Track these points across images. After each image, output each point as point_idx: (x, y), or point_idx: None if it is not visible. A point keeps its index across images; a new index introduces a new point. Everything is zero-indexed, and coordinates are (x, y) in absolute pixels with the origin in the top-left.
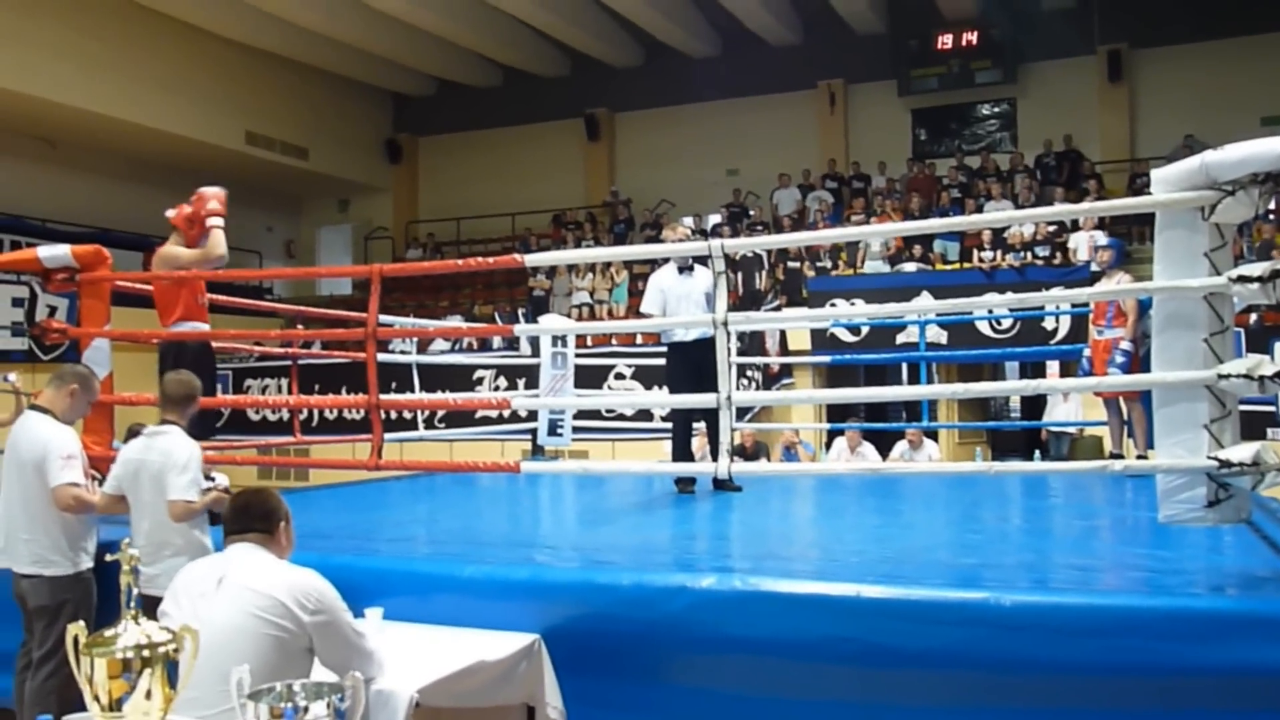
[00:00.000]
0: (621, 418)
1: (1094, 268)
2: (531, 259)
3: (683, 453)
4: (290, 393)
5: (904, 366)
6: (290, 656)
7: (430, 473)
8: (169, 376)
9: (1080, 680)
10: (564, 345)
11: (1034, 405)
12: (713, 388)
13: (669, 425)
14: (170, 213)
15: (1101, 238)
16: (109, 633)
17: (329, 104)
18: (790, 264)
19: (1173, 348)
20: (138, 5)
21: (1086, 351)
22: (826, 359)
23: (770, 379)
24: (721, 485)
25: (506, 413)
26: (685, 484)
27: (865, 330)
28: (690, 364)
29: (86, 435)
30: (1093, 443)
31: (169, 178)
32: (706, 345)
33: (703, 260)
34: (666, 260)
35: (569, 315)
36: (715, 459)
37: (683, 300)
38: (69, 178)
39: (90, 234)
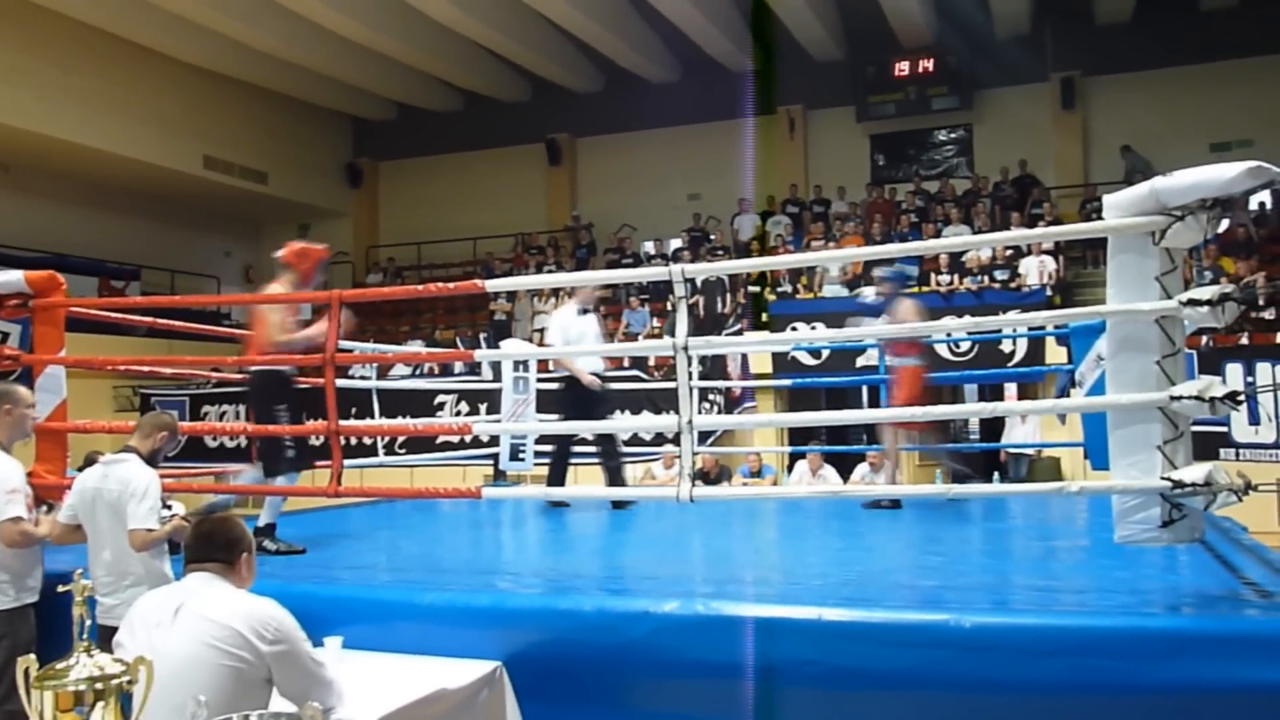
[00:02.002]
0: (584, 442)
1: (876, 297)
2: (493, 284)
3: (559, 477)
4: (248, 419)
5: (864, 389)
6: (248, 687)
7: (390, 499)
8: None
9: (1041, 700)
10: (526, 370)
11: (993, 427)
12: (604, 416)
13: (636, 450)
14: (280, 252)
15: (1051, 262)
16: (60, 665)
17: (288, 128)
18: (751, 288)
19: (1126, 370)
20: (93, 29)
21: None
22: (788, 382)
23: (732, 402)
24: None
25: (468, 438)
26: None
27: (826, 354)
28: (590, 395)
29: (39, 464)
30: (1051, 464)
31: (125, 203)
32: (601, 380)
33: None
34: (572, 299)
35: (531, 340)
36: (615, 482)
37: (582, 339)
38: (23, 202)
39: (45, 259)
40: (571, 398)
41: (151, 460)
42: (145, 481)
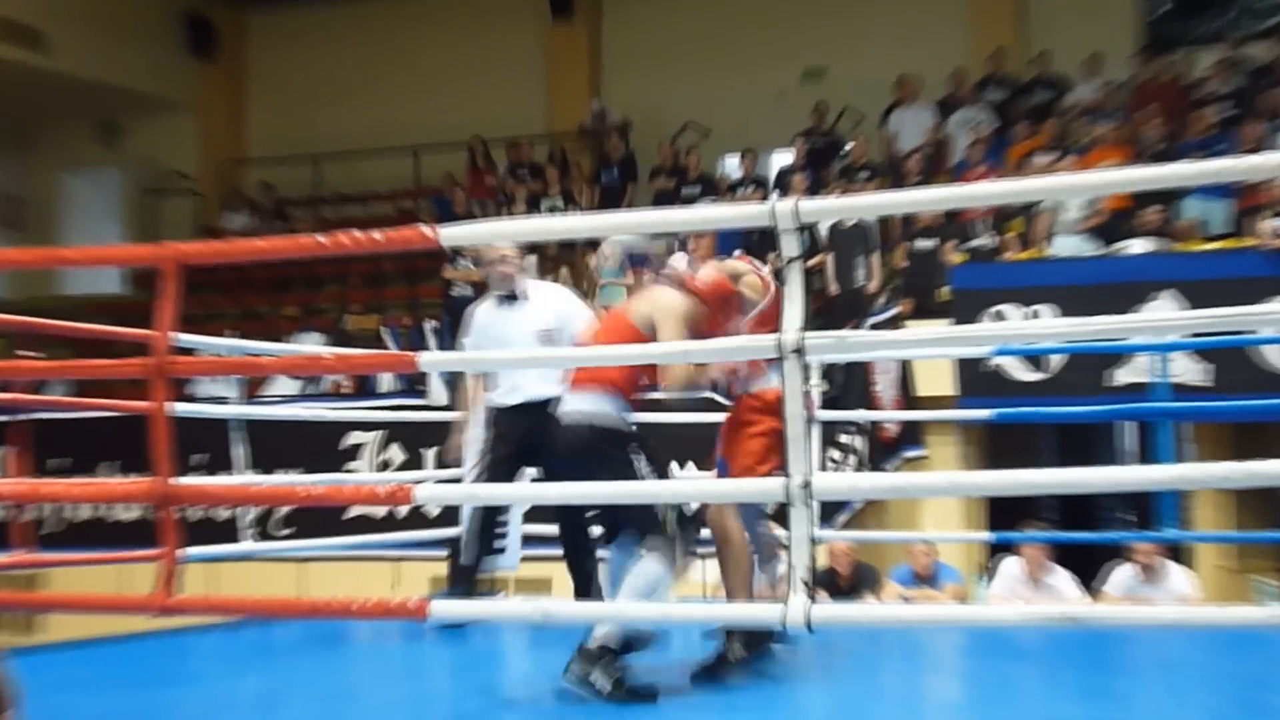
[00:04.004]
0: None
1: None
2: (450, 232)
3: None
4: (9, 473)
5: (1128, 428)
6: None
7: (268, 620)
8: None
9: None
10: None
11: None
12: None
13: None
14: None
15: None
16: None
17: None
18: (919, 242)
19: None
20: None
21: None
22: (986, 414)
23: (883, 449)
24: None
25: (405, 510)
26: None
27: (1057, 362)
28: (512, 443)
29: None
30: None
31: None
32: (536, 411)
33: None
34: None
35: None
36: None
37: (502, 342)
38: None
39: None
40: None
41: None
42: None
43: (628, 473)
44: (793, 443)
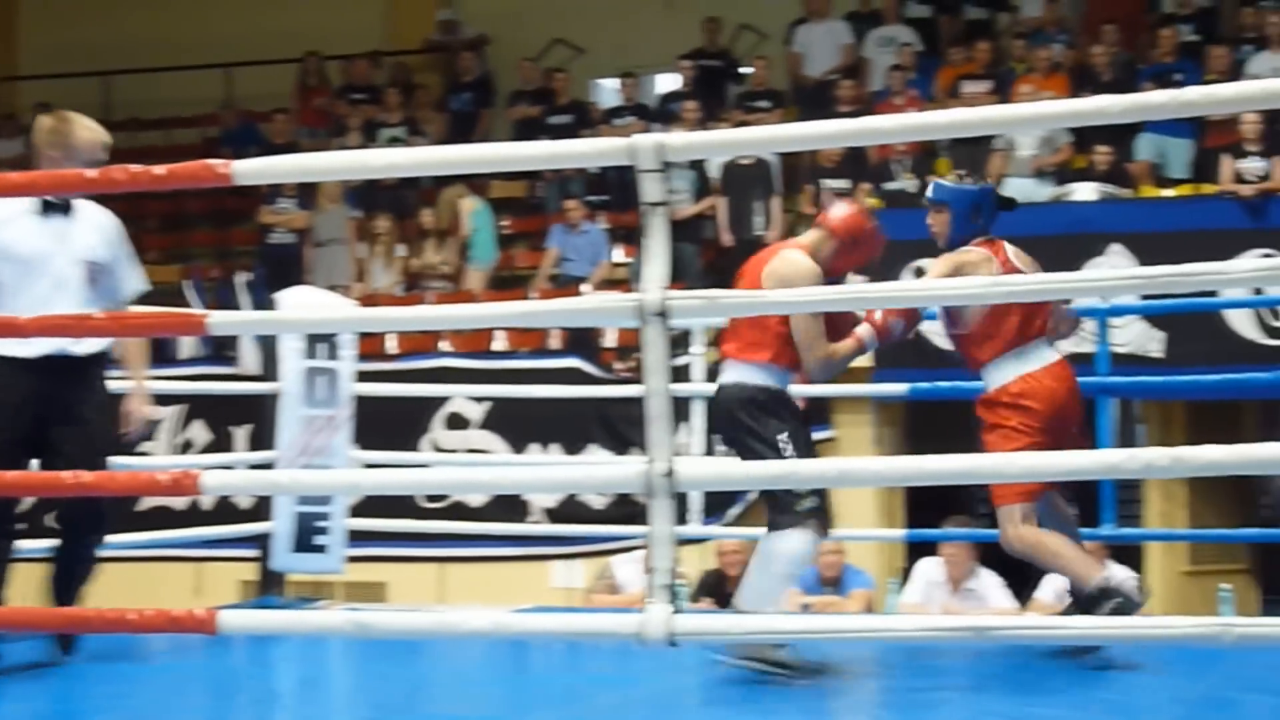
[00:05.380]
0: (459, 513)
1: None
2: (249, 167)
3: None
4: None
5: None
6: None
7: (23, 634)
8: None
9: None
10: (332, 354)
11: None
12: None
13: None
14: (835, 211)
15: None
16: None
17: None
18: (828, 184)
19: None
20: None
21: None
22: (901, 389)
23: None
24: None
25: (204, 501)
26: None
27: None
28: (36, 406)
29: None
30: None
31: None
32: (61, 372)
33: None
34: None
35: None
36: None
37: (37, 271)
38: None
39: None
40: None
41: None
42: None
43: (771, 440)
44: (654, 422)
